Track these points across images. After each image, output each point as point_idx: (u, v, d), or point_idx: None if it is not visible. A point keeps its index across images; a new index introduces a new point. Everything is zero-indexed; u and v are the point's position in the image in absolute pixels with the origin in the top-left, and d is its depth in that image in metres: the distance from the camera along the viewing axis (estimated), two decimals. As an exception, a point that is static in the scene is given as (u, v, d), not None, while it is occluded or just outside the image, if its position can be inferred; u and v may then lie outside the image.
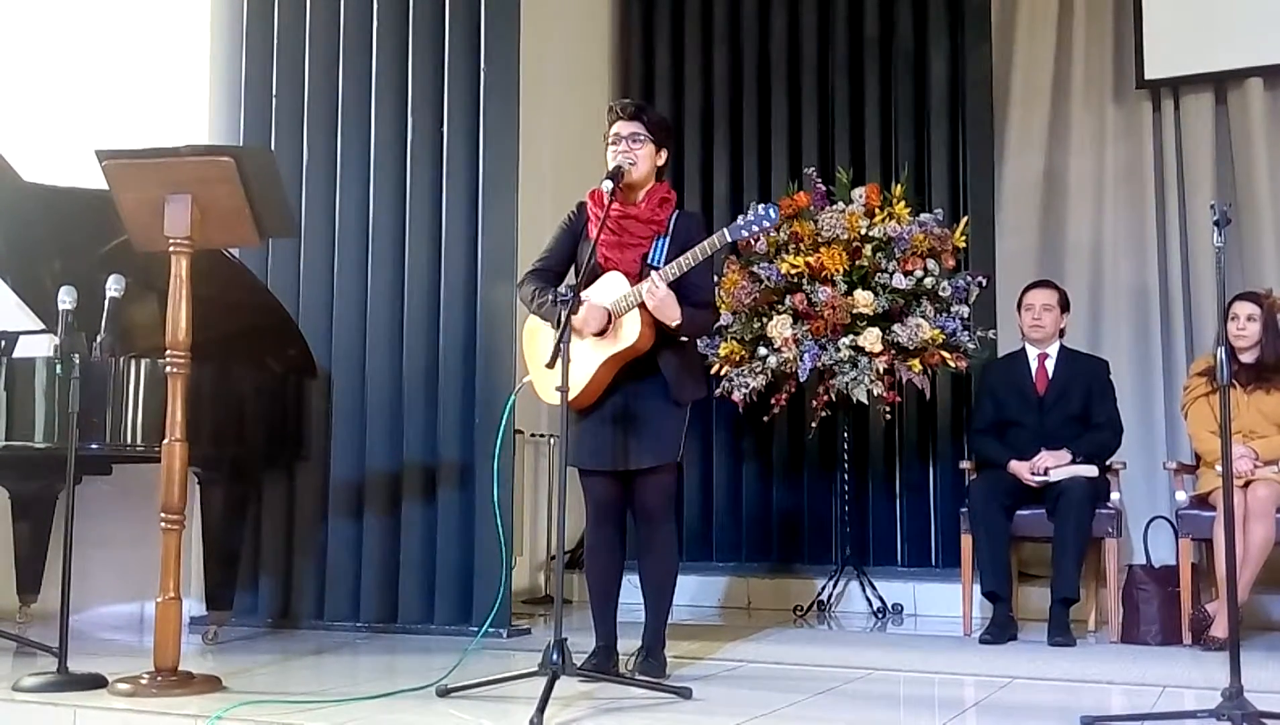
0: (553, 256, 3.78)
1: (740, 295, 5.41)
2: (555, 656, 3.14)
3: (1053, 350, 4.96)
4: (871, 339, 5.21)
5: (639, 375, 3.59)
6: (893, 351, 5.26)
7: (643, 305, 3.51)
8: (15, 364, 4.16)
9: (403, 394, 4.77)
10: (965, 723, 3.16)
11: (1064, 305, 4.98)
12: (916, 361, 5.26)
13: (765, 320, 5.40)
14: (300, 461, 4.78)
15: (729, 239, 3.55)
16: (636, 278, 3.56)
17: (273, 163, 3.71)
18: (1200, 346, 5.85)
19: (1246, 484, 4.39)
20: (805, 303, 5.30)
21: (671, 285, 3.49)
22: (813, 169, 5.83)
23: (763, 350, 5.39)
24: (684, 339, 3.65)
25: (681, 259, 3.48)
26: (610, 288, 3.58)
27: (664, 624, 3.71)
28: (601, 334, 3.54)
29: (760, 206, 3.56)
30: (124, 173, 3.48)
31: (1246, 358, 4.67)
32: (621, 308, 3.53)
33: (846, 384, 5.28)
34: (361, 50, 4.97)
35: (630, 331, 3.52)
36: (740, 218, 3.57)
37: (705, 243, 3.50)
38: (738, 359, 5.48)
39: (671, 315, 3.49)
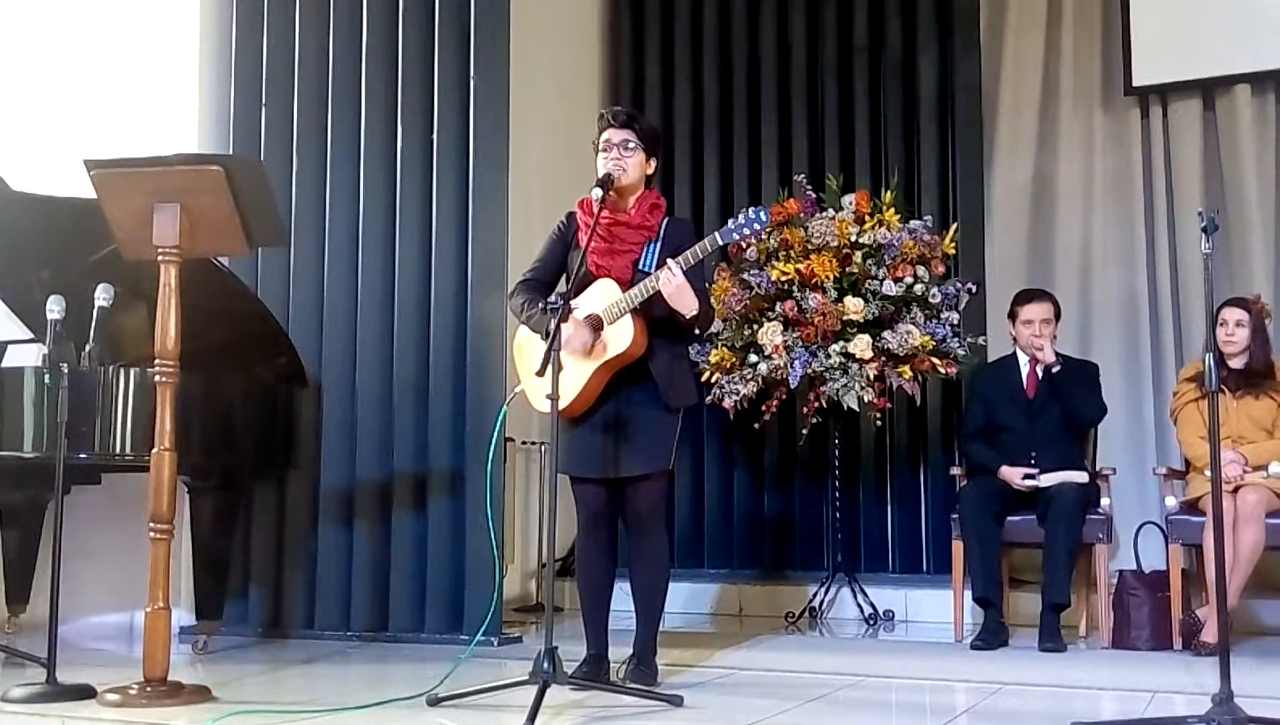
0: (543, 266, 3.78)
1: (731, 302, 5.42)
2: (546, 665, 3.13)
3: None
4: (862, 345, 5.22)
5: (630, 382, 3.58)
6: (883, 358, 5.27)
7: (635, 311, 3.51)
8: (4, 373, 4.15)
9: (393, 402, 4.76)
10: (956, 729, 3.17)
11: (1057, 314, 4.99)
12: (907, 368, 5.27)
13: (756, 327, 5.41)
14: (290, 470, 4.77)
15: (721, 242, 3.55)
16: (628, 284, 3.55)
17: (262, 172, 3.71)
18: (1189, 352, 5.87)
19: (1236, 489, 4.41)
20: (796, 310, 5.31)
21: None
22: (803, 176, 5.84)
23: (753, 357, 5.40)
24: (675, 341, 3.64)
25: (689, 252, 3.47)
26: (602, 295, 3.58)
27: (655, 631, 3.70)
28: (589, 350, 3.53)
29: (751, 210, 3.57)
30: (113, 182, 3.48)
31: (1235, 363, 4.68)
32: (613, 314, 3.53)
33: (837, 390, 5.28)
34: (351, 58, 4.97)
35: (623, 337, 3.52)
36: (731, 221, 3.57)
37: (703, 242, 3.50)
38: (728, 366, 5.48)
39: (689, 304, 3.48)
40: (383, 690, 3.48)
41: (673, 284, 3.44)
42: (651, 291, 3.47)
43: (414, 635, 4.60)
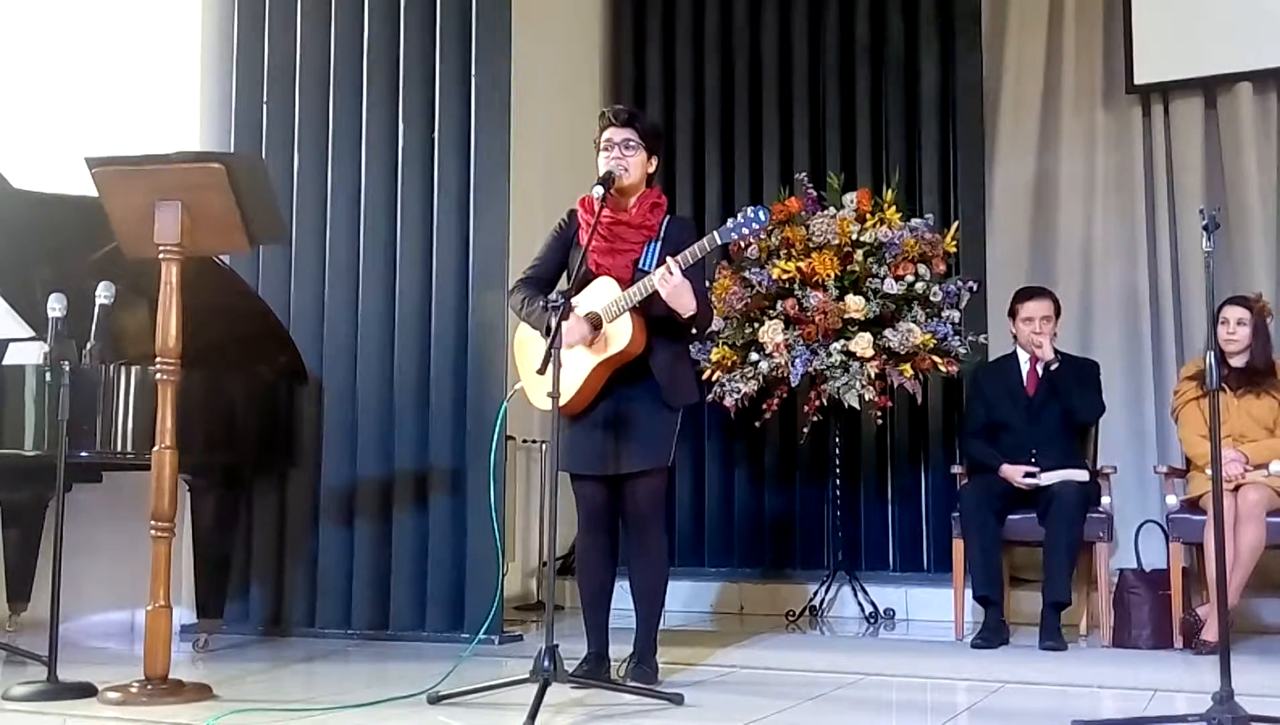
0: (544, 264, 3.78)
1: (732, 301, 5.42)
2: (547, 663, 3.13)
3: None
4: (863, 344, 5.21)
5: (630, 379, 3.58)
6: (884, 356, 5.26)
7: (634, 309, 3.51)
8: (5, 371, 4.15)
9: (394, 400, 4.76)
10: (957, 728, 3.17)
11: (1058, 312, 4.99)
12: (908, 366, 5.27)
13: (757, 325, 5.41)
14: (291, 468, 4.77)
15: (719, 241, 3.55)
16: (628, 283, 3.55)
17: (263, 169, 3.71)
18: (1190, 350, 5.87)
19: (1237, 488, 4.41)
20: (797, 308, 5.31)
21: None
22: (804, 174, 5.84)
23: (754, 355, 5.40)
24: (675, 340, 3.64)
25: (687, 251, 3.47)
26: (601, 293, 3.58)
27: (655, 630, 3.70)
28: (588, 344, 3.53)
29: (750, 209, 3.57)
30: (114, 179, 3.48)
31: (1236, 362, 4.68)
32: (613, 312, 3.53)
33: (838, 389, 5.28)
34: (353, 56, 4.97)
35: (622, 335, 3.52)
36: (730, 220, 3.57)
37: (702, 242, 3.49)
38: (729, 364, 5.48)
39: (687, 303, 3.48)
40: (383, 688, 3.48)
41: (670, 283, 3.44)
42: (650, 290, 3.47)
43: (415, 633, 4.61)
